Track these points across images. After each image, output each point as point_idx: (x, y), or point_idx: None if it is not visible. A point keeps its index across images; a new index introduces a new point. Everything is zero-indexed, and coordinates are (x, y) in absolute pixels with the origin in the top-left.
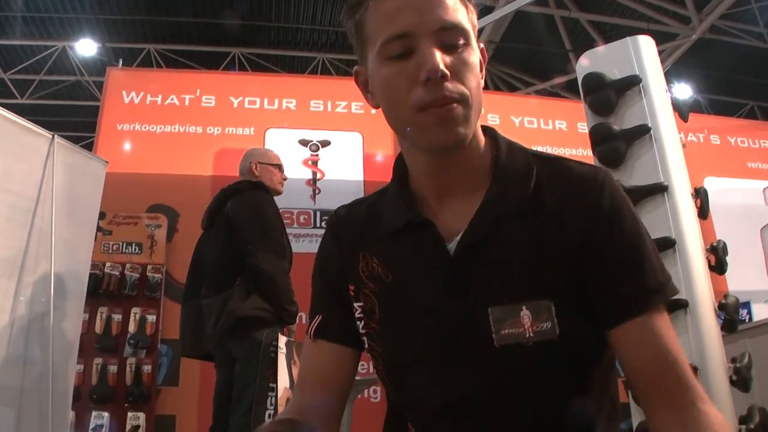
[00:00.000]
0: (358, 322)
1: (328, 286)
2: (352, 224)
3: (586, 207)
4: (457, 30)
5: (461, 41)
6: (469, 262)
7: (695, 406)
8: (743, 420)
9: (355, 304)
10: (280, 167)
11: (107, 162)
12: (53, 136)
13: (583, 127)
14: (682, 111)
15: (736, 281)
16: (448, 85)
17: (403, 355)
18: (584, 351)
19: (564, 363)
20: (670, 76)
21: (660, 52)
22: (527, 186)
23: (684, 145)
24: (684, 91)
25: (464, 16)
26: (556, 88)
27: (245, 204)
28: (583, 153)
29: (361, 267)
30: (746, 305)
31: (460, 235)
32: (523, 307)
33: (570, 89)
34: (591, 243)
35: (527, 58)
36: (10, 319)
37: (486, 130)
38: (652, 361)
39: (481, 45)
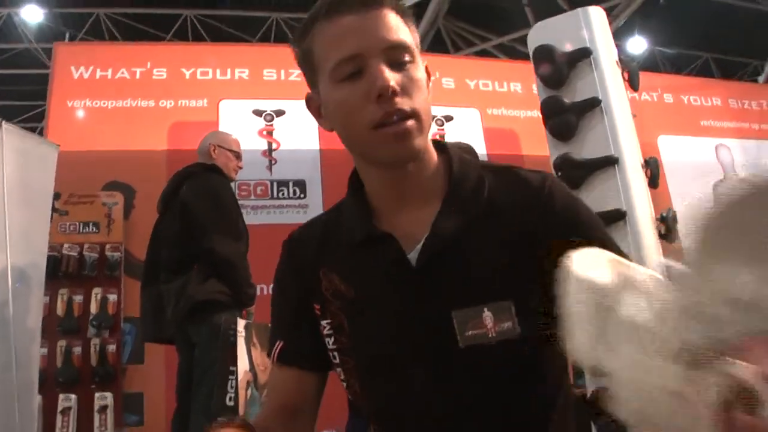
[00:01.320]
0: (327, 339)
1: (289, 308)
2: (309, 244)
3: (539, 210)
4: (403, 48)
5: (407, 58)
6: (430, 270)
7: None
8: None
9: (323, 322)
10: (238, 155)
11: (59, 145)
12: (1, 122)
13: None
14: (633, 81)
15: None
16: (399, 100)
17: (376, 365)
18: (544, 346)
19: (525, 359)
20: (626, 29)
21: (616, 6)
22: (481, 194)
23: (635, 116)
24: (639, 44)
25: (407, 35)
26: (513, 43)
27: (200, 188)
28: (537, 114)
29: (324, 285)
30: None
31: (421, 244)
32: (485, 309)
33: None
34: (548, 240)
35: (483, 12)
36: None
37: (436, 144)
38: None
39: (425, 62)
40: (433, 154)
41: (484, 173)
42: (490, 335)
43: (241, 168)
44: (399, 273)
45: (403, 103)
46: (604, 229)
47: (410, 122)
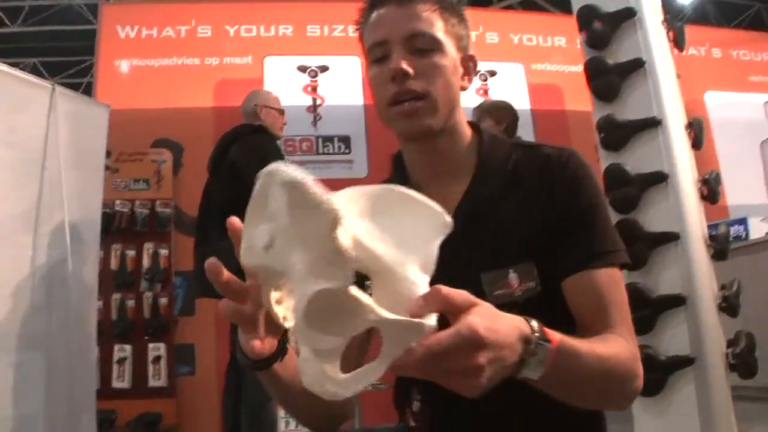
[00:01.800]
0: None
1: None
2: None
3: (551, 179)
4: (425, 38)
5: (430, 47)
6: (460, 235)
7: (619, 335)
8: (730, 343)
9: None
10: (282, 112)
11: (110, 106)
12: (53, 86)
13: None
14: (679, 41)
15: (735, 196)
16: (412, 82)
17: None
18: (564, 304)
19: (550, 314)
20: None
21: None
22: (506, 170)
23: (679, 76)
24: None
25: (438, 28)
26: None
27: (248, 149)
28: (582, 69)
29: None
30: (743, 221)
31: (452, 212)
32: (511, 271)
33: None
34: (555, 210)
35: None
36: (31, 270)
37: (473, 126)
38: (589, 305)
39: (471, 53)
40: (465, 133)
41: (513, 150)
42: (516, 293)
43: (285, 124)
44: None
45: (416, 85)
46: (604, 215)
47: (419, 103)
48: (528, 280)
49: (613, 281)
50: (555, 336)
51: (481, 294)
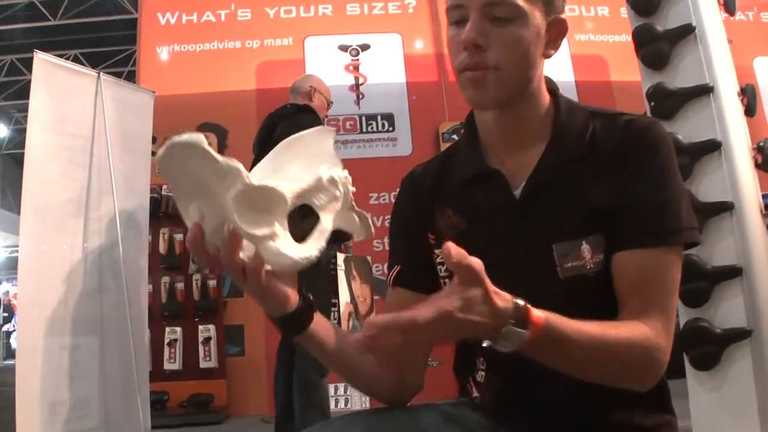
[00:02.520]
0: (440, 266)
1: (406, 238)
2: (426, 179)
3: (627, 147)
4: (503, 6)
5: (508, 15)
6: (533, 204)
7: (641, 319)
8: None
9: (437, 251)
10: (330, 104)
11: (154, 92)
12: (99, 74)
13: (626, 13)
14: (729, 6)
15: None
16: (485, 53)
17: None
18: None
19: (609, 288)
20: None
21: None
22: (583, 138)
23: (730, 41)
24: None
25: None
26: None
27: (295, 127)
28: (626, 39)
29: (437, 217)
30: None
31: (525, 180)
32: (584, 242)
33: None
34: (626, 178)
35: None
36: (83, 255)
37: (552, 92)
38: (629, 285)
39: (562, 16)
40: (542, 101)
41: (591, 119)
42: (588, 266)
43: (326, 117)
44: (505, 207)
45: (489, 57)
46: (678, 191)
47: (487, 73)
48: (599, 252)
49: (663, 263)
50: (539, 320)
51: (551, 265)
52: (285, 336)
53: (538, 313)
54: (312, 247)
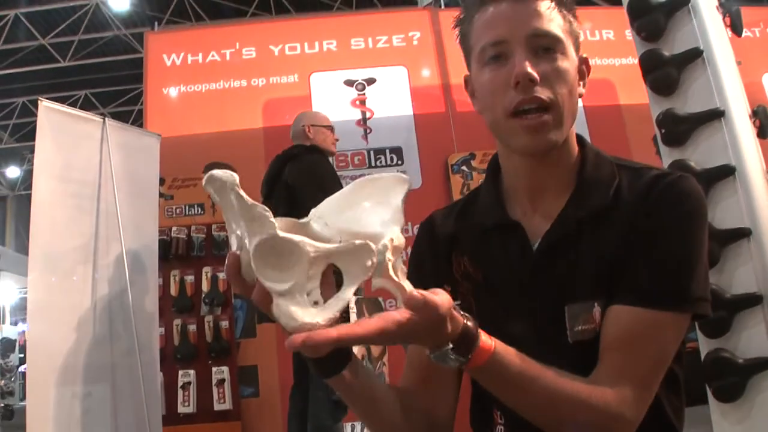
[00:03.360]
0: None
1: (423, 285)
2: (445, 227)
3: (650, 203)
4: (549, 38)
5: (554, 48)
6: (550, 260)
7: (612, 382)
8: None
9: (454, 303)
10: (331, 128)
11: (160, 135)
12: (104, 119)
13: (632, 35)
14: (735, 26)
15: None
16: (538, 88)
17: None
18: None
19: None
20: None
21: None
22: (607, 192)
23: (739, 63)
24: None
25: (558, 26)
26: None
27: (303, 169)
28: (633, 61)
29: (455, 267)
30: None
31: (541, 237)
32: (596, 304)
33: None
34: (643, 233)
35: None
36: (92, 302)
37: (579, 138)
38: (614, 345)
39: (584, 55)
40: (573, 148)
41: (619, 171)
42: (598, 329)
43: (337, 140)
44: (522, 261)
45: (543, 92)
46: (698, 256)
47: (546, 116)
48: None
49: (657, 328)
50: (485, 353)
51: (562, 327)
52: (320, 376)
53: (487, 343)
54: (321, 315)
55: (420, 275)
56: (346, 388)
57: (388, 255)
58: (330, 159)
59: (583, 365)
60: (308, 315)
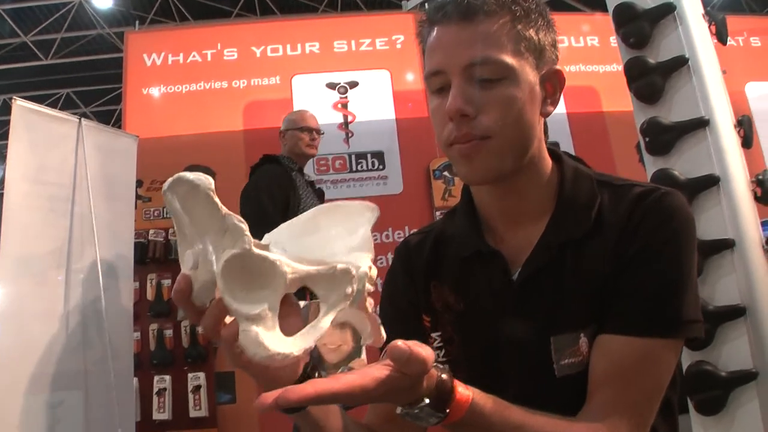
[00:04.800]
0: (437, 351)
1: (399, 315)
2: (422, 253)
3: (634, 223)
4: (489, 66)
5: (495, 76)
6: (532, 290)
7: (605, 418)
8: None
9: (433, 334)
10: (307, 129)
11: (138, 137)
12: (80, 119)
13: (616, 42)
14: (721, 35)
15: None
16: (473, 123)
17: (483, 381)
18: None
19: None
20: None
21: None
22: (589, 215)
23: (724, 72)
24: None
25: (508, 49)
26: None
27: (247, 187)
28: (617, 68)
29: (434, 297)
30: None
31: (522, 265)
32: (582, 335)
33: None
34: (628, 255)
35: None
36: (65, 308)
37: (554, 153)
38: (605, 376)
39: (555, 67)
40: (545, 168)
41: (600, 189)
42: (585, 361)
43: (315, 139)
44: (503, 291)
45: (479, 126)
46: (688, 278)
47: (480, 143)
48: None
49: (651, 357)
50: (462, 404)
51: (548, 360)
52: (284, 412)
53: (464, 394)
54: (296, 345)
55: (395, 304)
56: (313, 425)
57: (368, 285)
58: (306, 163)
59: (571, 401)
60: (281, 344)
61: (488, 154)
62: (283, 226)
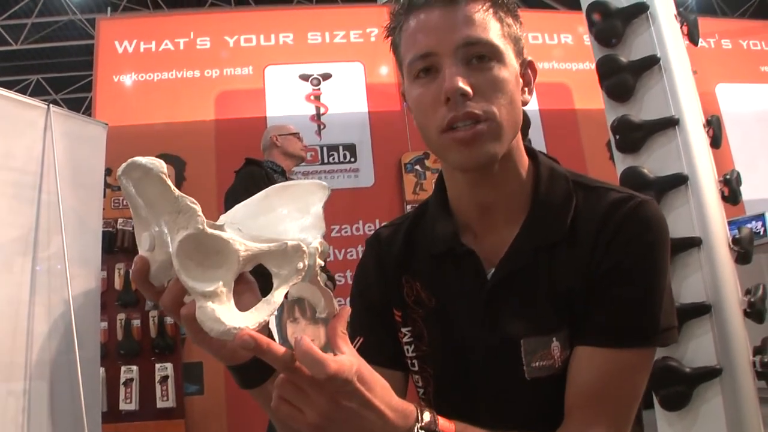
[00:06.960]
0: (407, 346)
1: (370, 308)
2: (394, 247)
3: (609, 231)
4: (482, 46)
5: (488, 57)
6: (504, 292)
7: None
8: (757, 351)
9: (404, 329)
10: (298, 135)
11: (107, 124)
12: (48, 106)
13: (589, 40)
14: (692, 35)
15: (751, 190)
16: (471, 103)
17: (451, 378)
18: None
19: None
20: None
21: None
22: (564, 219)
23: (695, 72)
24: None
25: (494, 32)
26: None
27: (230, 189)
28: (590, 66)
29: (406, 292)
30: (761, 217)
31: (495, 266)
32: (554, 339)
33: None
34: (603, 265)
35: None
36: (30, 296)
37: (529, 151)
38: (584, 387)
39: (528, 58)
40: (522, 162)
41: (575, 191)
42: (557, 365)
43: (305, 147)
44: (476, 291)
45: (476, 106)
46: (662, 286)
47: (480, 126)
48: (567, 349)
49: (628, 368)
50: None
51: (518, 363)
52: (241, 386)
53: (448, 428)
54: (251, 319)
55: (365, 297)
56: (269, 399)
57: (318, 260)
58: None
59: (541, 403)
60: (236, 319)
61: (488, 137)
62: (239, 207)
